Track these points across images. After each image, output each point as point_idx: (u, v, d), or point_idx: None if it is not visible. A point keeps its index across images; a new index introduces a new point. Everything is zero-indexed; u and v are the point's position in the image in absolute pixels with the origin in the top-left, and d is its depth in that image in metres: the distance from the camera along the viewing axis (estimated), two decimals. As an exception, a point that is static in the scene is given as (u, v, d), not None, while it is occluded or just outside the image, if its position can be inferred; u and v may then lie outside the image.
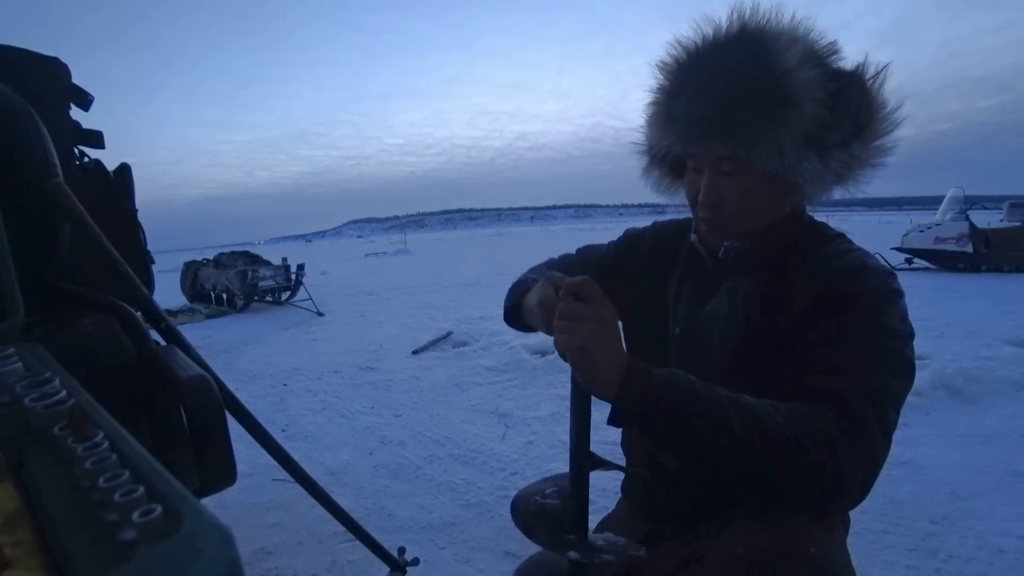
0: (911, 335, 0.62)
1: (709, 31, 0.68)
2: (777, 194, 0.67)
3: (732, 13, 0.67)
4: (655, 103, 0.72)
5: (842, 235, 0.72)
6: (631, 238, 0.90)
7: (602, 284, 0.87)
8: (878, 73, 0.66)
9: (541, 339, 4.37)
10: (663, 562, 0.72)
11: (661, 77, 0.71)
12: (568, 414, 0.64)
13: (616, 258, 0.89)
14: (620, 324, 0.89)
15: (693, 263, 0.78)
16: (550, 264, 0.94)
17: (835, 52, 0.67)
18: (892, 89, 0.66)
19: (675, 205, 0.79)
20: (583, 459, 0.63)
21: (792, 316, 0.64)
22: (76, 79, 1.00)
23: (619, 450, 0.91)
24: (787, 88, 0.61)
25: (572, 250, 0.98)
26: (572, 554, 0.59)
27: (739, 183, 0.67)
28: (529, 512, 0.67)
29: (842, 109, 0.64)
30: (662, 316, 0.80)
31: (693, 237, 0.77)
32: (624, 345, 0.88)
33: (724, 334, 0.70)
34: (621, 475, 0.89)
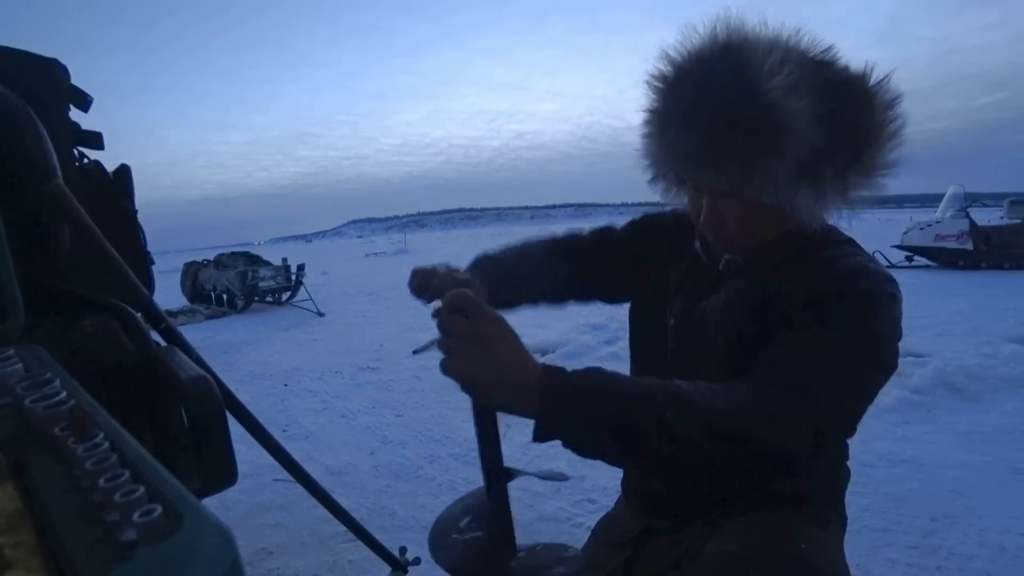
0: (897, 339, 0.61)
1: (694, 43, 0.64)
2: (777, 216, 0.65)
3: (716, 23, 0.63)
4: (648, 123, 0.69)
5: (851, 240, 0.69)
6: (651, 222, 0.89)
7: (620, 265, 0.88)
8: (878, 84, 0.61)
9: (540, 338, 4.37)
10: (659, 558, 0.72)
11: (652, 95, 0.68)
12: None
13: (635, 240, 0.88)
14: (632, 315, 0.89)
15: (697, 265, 0.78)
16: (547, 241, 0.94)
17: (831, 62, 0.62)
18: (894, 92, 0.61)
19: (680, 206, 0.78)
20: (498, 477, 0.60)
21: (785, 311, 0.63)
22: (73, 79, 1.00)
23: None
24: (779, 115, 0.57)
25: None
26: None
27: (738, 207, 0.65)
28: (456, 556, 0.61)
29: (837, 135, 0.59)
30: (662, 305, 0.81)
31: (697, 245, 0.76)
32: (630, 332, 0.89)
33: (718, 327, 0.70)
34: (620, 474, 0.89)
